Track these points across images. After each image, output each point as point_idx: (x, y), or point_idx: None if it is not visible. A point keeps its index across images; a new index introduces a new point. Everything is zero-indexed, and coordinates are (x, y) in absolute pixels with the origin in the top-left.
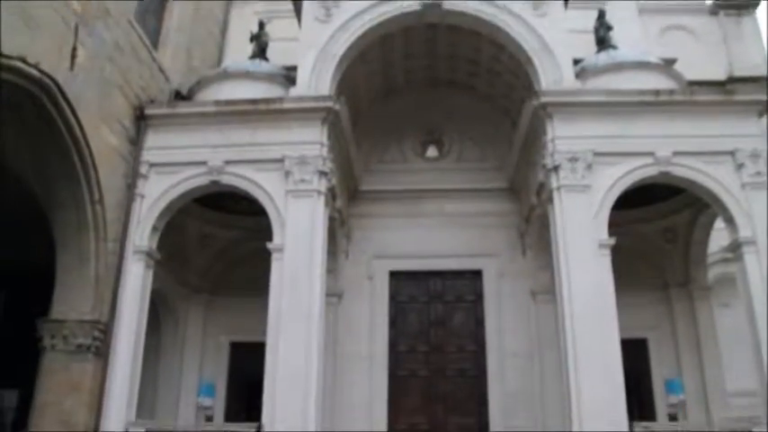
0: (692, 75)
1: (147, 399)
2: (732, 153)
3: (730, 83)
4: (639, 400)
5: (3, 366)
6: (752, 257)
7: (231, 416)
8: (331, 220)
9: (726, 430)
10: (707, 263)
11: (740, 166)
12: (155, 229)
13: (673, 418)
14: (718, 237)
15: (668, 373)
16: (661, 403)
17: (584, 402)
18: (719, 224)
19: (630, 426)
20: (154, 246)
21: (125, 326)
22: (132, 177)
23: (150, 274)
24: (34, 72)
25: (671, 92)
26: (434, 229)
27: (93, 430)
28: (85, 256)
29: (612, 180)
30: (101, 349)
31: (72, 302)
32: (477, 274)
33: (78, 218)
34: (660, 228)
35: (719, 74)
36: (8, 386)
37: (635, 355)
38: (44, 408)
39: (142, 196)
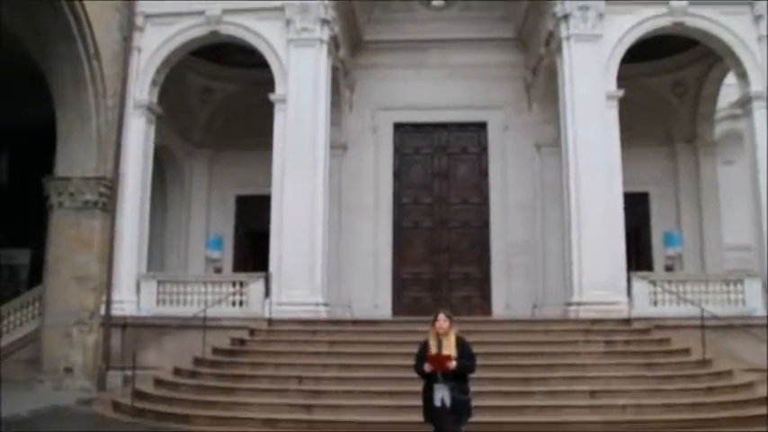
0: None
1: (157, 254)
2: (751, 4)
3: None
4: (638, 252)
5: (13, 226)
6: (761, 113)
7: (239, 267)
8: (334, 70)
9: (720, 279)
10: (714, 119)
11: (758, 18)
12: (154, 82)
13: (669, 269)
14: (728, 94)
15: (667, 227)
16: (659, 255)
17: (586, 251)
18: (729, 80)
19: (629, 275)
20: (154, 100)
21: (130, 181)
22: (128, 29)
23: (152, 129)
24: None
25: None
26: (439, 80)
27: (105, 283)
28: (85, 112)
29: (624, 30)
30: (108, 205)
31: (76, 160)
32: (481, 127)
33: (75, 73)
34: (669, 81)
35: None
36: (20, 245)
37: (636, 208)
38: (56, 264)
39: (139, 49)
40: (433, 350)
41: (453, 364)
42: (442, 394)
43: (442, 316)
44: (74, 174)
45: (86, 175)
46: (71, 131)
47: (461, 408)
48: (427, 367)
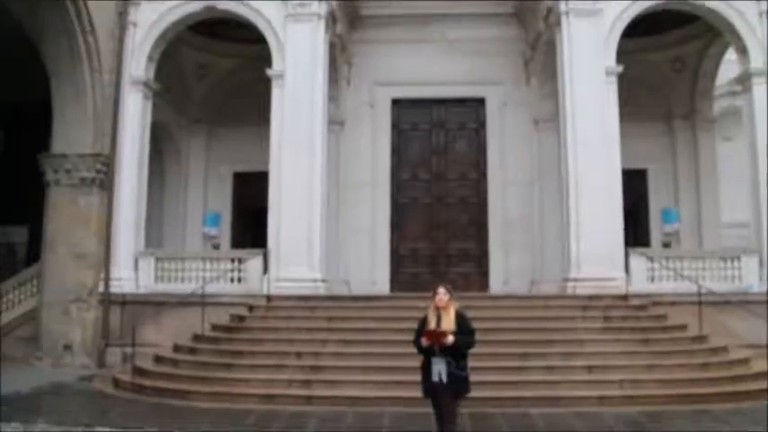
0: None
1: (155, 231)
2: None
3: None
4: (635, 229)
5: (10, 204)
6: (761, 89)
7: (237, 243)
8: (331, 45)
9: (717, 256)
10: (713, 95)
11: None
12: (150, 58)
13: (666, 246)
14: (727, 70)
15: (665, 204)
16: (656, 232)
17: (584, 227)
18: (729, 56)
19: (627, 251)
20: (151, 76)
21: (127, 158)
22: (123, 4)
23: (149, 105)
24: None
25: None
26: (437, 55)
27: (103, 260)
28: (81, 88)
29: (624, 5)
30: (105, 182)
31: (72, 136)
32: (479, 102)
33: (71, 48)
34: (669, 57)
35: None
36: (17, 223)
37: (634, 185)
38: (54, 241)
39: (135, 25)
40: (432, 324)
41: (450, 339)
42: (439, 369)
43: (441, 290)
44: (70, 151)
45: (83, 152)
46: (67, 108)
47: (458, 383)
48: (424, 341)
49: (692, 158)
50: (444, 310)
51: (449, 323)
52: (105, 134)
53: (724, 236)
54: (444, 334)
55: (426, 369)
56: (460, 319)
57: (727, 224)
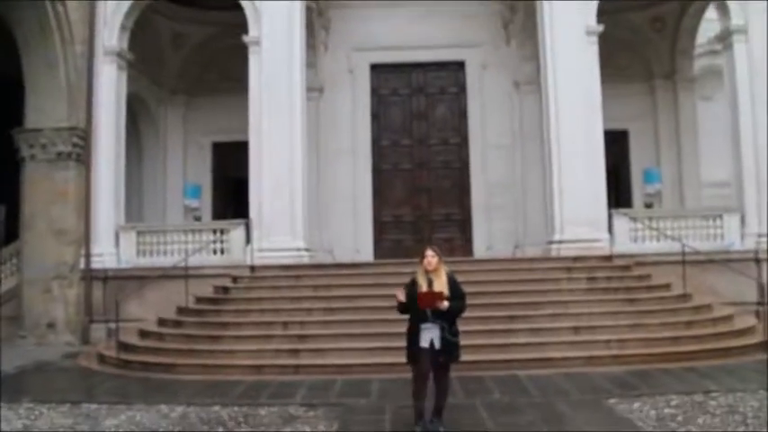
0: None
1: (135, 205)
2: None
3: None
4: (617, 190)
5: None
6: (741, 47)
7: (218, 215)
8: (308, 10)
9: (699, 215)
10: (693, 54)
11: None
12: (123, 28)
13: (648, 206)
14: (707, 29)
15: (647, 164)
16: (638, 193)
17: (566, 189)
18: (709, 14)
19: (610, 212)
20: (124, 46)
21: (104, 130)
22: None
23: (124, 76)
24: None
25: None
26: (416, 19)
27: (83, 236)
28: (53, 60)
29: None
30: (82, 156)
31: (46, 110)
32: (459, 66)
33: (39, 19)
34: (649, 16)
35: None
36: None
37: (615, 146)
38: (32, 218)
39: None
40: (424, 288)
41: (446, 304)
42: (431, 335)
43: (429, 252)
44: (45, 125)
45: (58, 126)
46: (39, 81)
47: (451, 349)
48: (420, 305)
49: (673, 118)
50: (435, 274)
51: (441, 286)
52: (80, 107)
53: (704, 195)
54: (441, 296)
55: (413, 334)
56: (452, 282)
57: (707, 183)
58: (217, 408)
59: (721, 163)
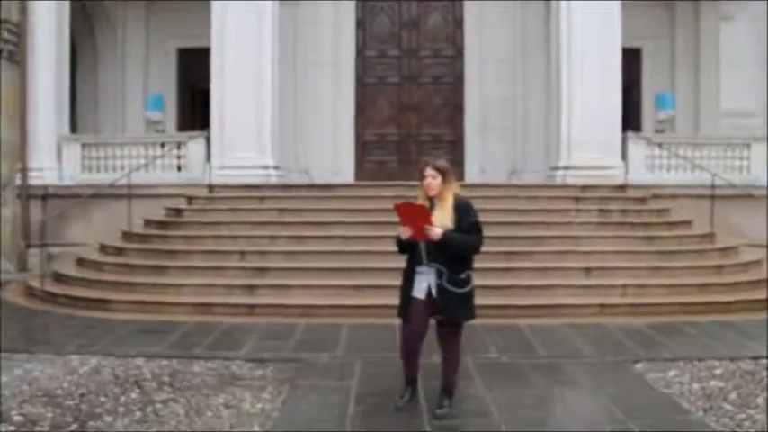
0: None
1: (90, 118)
2: None
3: None
4: (625, 115)
5: None
6: None
7: (185, 129)
8: None
9: (724, 143)
10: None
11: None
12: None
13: (659, 133)
14: None
15: (660, 88)
16: (648, 119)
17: (576, 108)
18: None
19: (624, 135)
20: None
21: (43, 26)
22: None
23: None
24: None
25: None
26: None
27: (19, 148)
28: None
29: None
30: (15, 54)
31: None
32: None
33: None
34: None
35: None
36: None
37: (626, 66)
38: None
39: None
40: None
41: (437, 232)
42: (426, 282)
43: (430, 171)
44: None
45: None
46: None
47: (454, 304)
48: (403, 233)
49: (693, 37)
50: (438, 199)
51: (444, 218)
52: None
53: (720, 125)
54: (423, 212)
55: (406, 281)
56: (462, 211)
57: (724, 112)
58: (140, 361)
59: (740, 89)
